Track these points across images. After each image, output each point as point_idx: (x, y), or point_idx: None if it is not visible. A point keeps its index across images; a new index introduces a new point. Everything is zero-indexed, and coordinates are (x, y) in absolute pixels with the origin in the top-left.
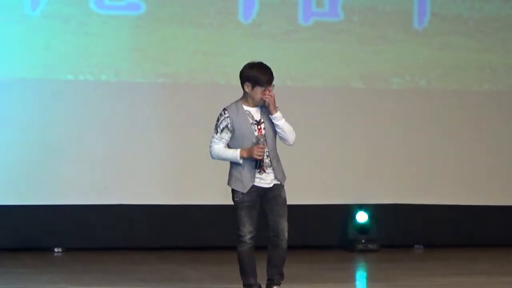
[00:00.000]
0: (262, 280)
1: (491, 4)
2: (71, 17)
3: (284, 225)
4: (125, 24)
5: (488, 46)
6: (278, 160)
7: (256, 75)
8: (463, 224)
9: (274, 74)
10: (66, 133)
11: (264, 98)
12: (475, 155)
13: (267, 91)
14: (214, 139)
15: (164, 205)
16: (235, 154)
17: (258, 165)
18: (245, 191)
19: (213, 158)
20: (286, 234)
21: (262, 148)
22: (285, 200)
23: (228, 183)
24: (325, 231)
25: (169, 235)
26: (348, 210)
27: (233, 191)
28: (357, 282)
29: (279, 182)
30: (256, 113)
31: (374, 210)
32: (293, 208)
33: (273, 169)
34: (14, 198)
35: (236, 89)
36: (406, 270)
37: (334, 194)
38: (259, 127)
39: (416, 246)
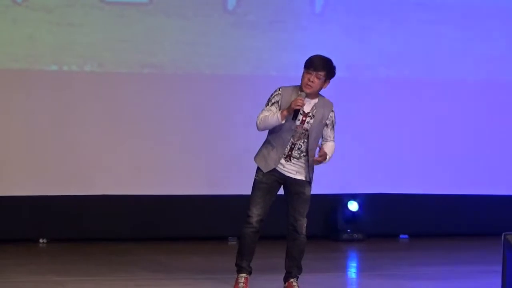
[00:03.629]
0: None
1: None
2: (54, 7)
3: (303, 221)
4: (109, 14)
5: (476, 35)
6: (312, 162)
7: (307, 60)
8: (448, 214)
9: (258, 64)
10: (49, 124)
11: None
12: (460, 145)
13: (308, 77)
14: (263, 111)
15: (149, 195)
16: (276, 115)
17: (295, 116)
18: (265, 170)
19: (258, 128)
20: (304, 229)
21: (301, 99)
22: (308, 198)
23: (254, 158)
24: (311, 221)
25: (155, 226)
26: (335, 200)
27: (257, 169)
28: (344, 272)
29: (304, 179)
30: (308, 104)
31: (359, 200)
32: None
33: (303, 167)
34: None
35: (221, 78)
36: (391, 259)
37: (320, 184)
38: (304, 118)
39: (401, 235)
